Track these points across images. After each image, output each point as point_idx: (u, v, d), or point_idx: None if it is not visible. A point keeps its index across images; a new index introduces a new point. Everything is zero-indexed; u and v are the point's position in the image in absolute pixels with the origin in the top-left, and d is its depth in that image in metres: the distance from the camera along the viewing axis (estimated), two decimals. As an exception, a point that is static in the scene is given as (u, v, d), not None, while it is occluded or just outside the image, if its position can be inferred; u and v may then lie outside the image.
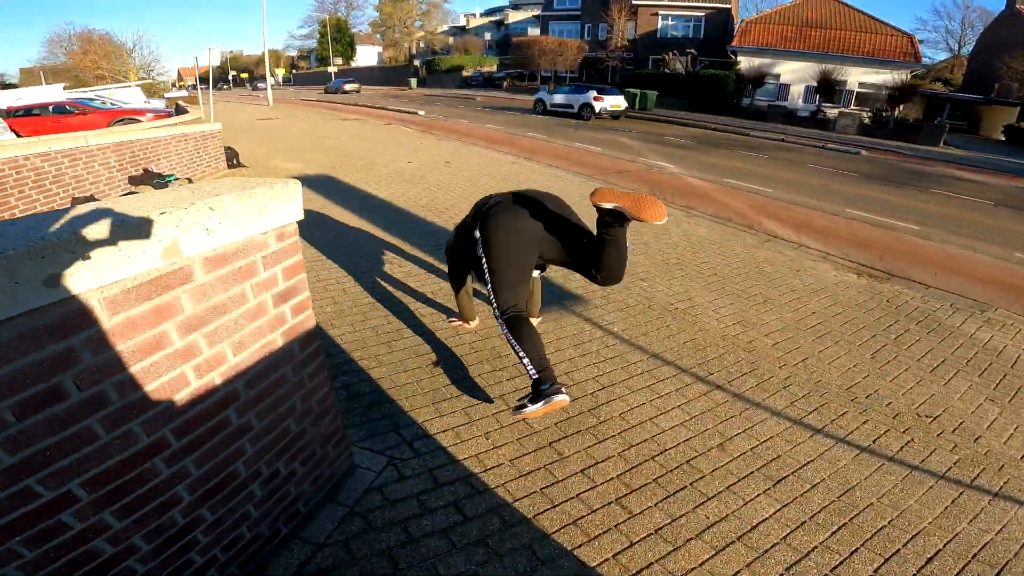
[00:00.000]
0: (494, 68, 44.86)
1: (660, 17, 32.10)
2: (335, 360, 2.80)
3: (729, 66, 25.99)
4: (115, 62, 44.46)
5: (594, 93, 19.37)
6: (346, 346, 2.95)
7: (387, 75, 51.85)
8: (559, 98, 20.45)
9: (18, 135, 12.52)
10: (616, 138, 14.51)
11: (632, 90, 23.86)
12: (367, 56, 61.95)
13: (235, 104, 27.17)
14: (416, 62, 50.22)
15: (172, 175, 6.24)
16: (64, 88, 23.01)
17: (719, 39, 29.60)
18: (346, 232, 4.95)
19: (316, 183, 6.97)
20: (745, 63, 25.69)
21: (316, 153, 9.75)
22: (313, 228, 4.99)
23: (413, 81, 44.90)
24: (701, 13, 31.36)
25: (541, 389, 2.13)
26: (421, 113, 19.61)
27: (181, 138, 6.82)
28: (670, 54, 28.72)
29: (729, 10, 30.93)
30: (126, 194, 5.87)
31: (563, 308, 3.55)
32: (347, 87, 37.72)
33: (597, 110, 19.13)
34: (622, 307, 3.63)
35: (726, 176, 9.43)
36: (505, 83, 39.42)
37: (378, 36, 62.66)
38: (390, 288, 3.73)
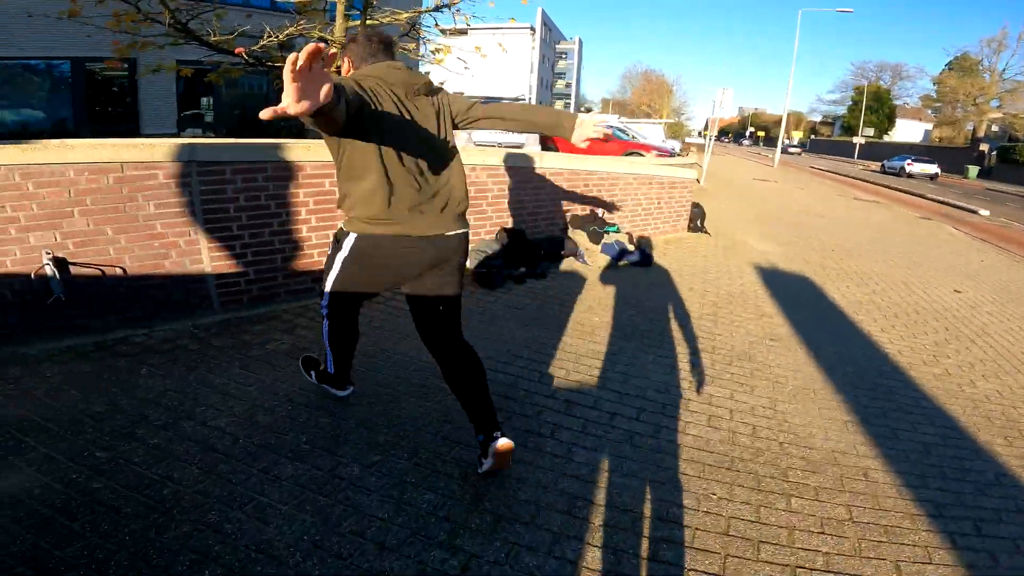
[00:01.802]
0: None
1: None
2: None
3: None
4: (658, 99, 52.13)
5: None
6: None
7: (933, 155, 41.75)
8: None
9: (552, 148, 15.39)
10: None
11: None
12: (908, 131, 52.13)
13: (737, 159, 26.88)
14: (983, 147, 38.35)
15: (614, 226, 5.31)
16: (618, 118, 27.79)
17: None
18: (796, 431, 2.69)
19: (781, 288, 4.78)
20: None
21: (803, 239, 7.38)
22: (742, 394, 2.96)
23: (972, 169, 34.41)
24: None
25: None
26: (983, 213, 13.78)
27: (645, 180, 5.85)
28: None
29: None
30: (551, 237, 5.37)
31: None
32: (915, 168, 28.10)
33: None
34: None
35: None
36: None
37: (929, 112, 51.65)
38: None
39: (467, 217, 1.98)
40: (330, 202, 3.54)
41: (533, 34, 49.87)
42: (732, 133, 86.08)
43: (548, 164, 4.81)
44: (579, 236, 5.05)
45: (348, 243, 1.83)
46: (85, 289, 2.84)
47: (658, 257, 5.44)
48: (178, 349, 2.82)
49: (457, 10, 6.68)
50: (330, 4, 6.33)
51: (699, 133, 61.62)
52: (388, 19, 6.20)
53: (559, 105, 58.58)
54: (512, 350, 3.13)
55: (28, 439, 2.00)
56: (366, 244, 1.80)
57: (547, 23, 53.47)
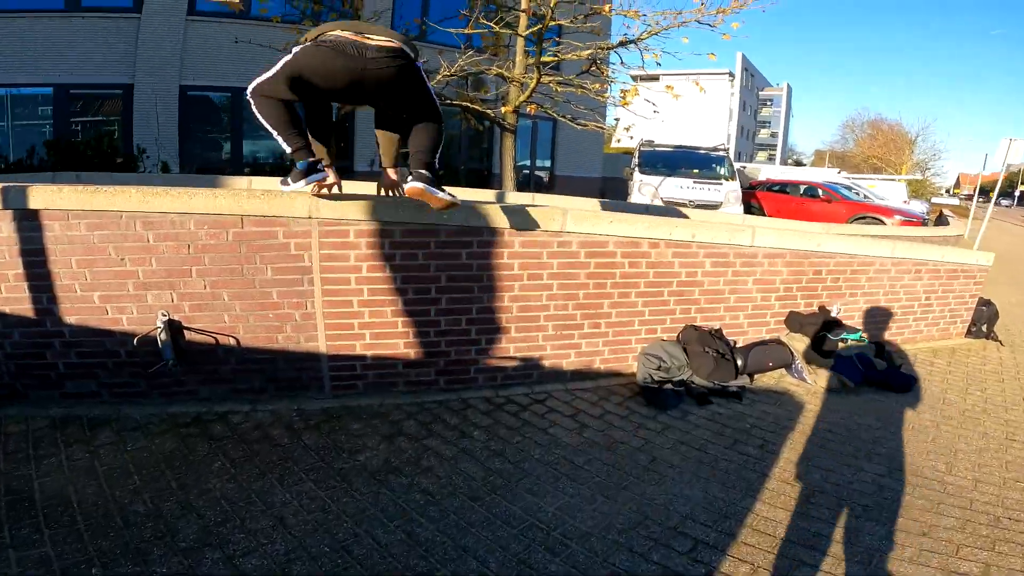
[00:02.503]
0: None
1: None
2: None
3: None
4: (893, 152, 44.00)
5: None
6: None
7: None
8: None
9: (756, 209, 13.22)
10: None
11: None
12: None
13: (1011, 224, 20.79)
14: None
15: (856, 332, 3.70)
16: (838, 172, 23.92)
17: None
18: None
19: None
20: None
21: None
22: None
23: None
24: None
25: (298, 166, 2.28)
26: None
27: (912, 267, 4.12)
28: None
29: None
30: (756, 342, 3.64)
31: None
32: None
33: None
34: None
35: None
36: None
37: None
38: None
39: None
40: (467, 281, 2.87)
41: (732, 80, 46.90)
42: (993, 191, 68.66)
43: (764, 241, 3.53)
44: (798, 342, 3.62)
45: None
46: (197, 356, 2.65)
47: (922, 376, 3.70)
48: (266, 440, 2.43)
49: (646, 47, 5.83)
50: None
51: (948, 191, 50.29)
52: (571, 55, 5.60)
53: (762, 156, 53.70)
54: (671, 521, 2.03)
55: (43, 526, 1.82)
56: None
57: (748, 68, 49.90)
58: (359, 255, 2.70)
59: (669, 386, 3.12)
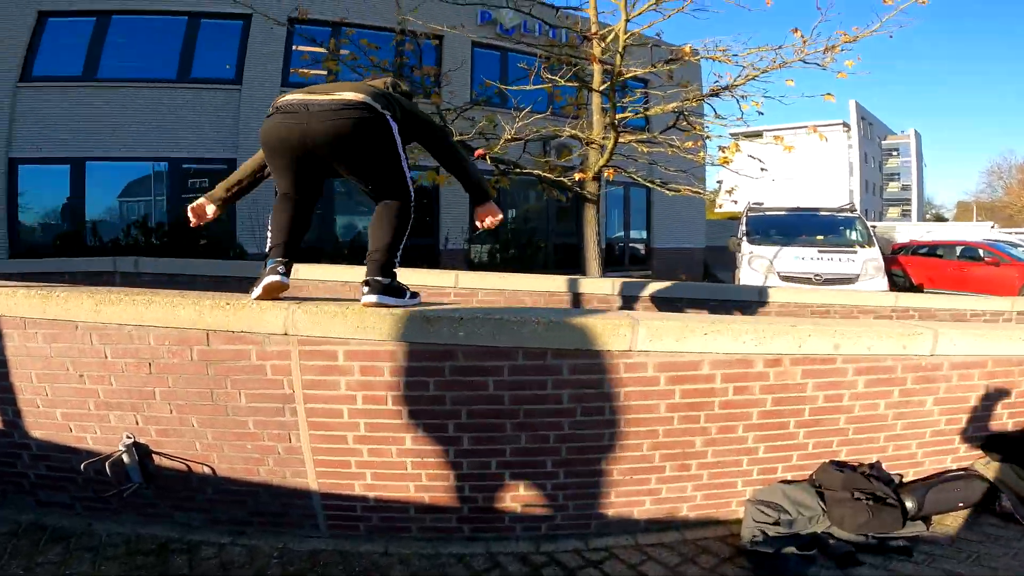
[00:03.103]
0: None
1: None
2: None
3: None
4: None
5: None
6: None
7: None
8: None
9: (901, 279, 11.02)
10: None
11: None
12: None
13: None
14: None
15: None
16: (992, 226, 20.33)
17: None
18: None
19: None
20: None
21: None
22: None
23: None
24: None
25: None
26: None
27: None
28: None
29: None
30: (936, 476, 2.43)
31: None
32: None
33: None
34: None
35: None
36: None
37: None
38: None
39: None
40: (496, 417, 2.07)
41: (847, 130, 43.25)
42: None
43: (951, 348, 2.32)
44: (1009, 474, 2.35)
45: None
46: (169, 481, 2.23)
47: None
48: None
49: (743, 95, 4.93)
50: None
51: None
52: (654, 109, 4.85)
53: (895, 212, 48.20)
54: None
55: None
56: None
57: (865, 116, 45.84)
58: (352, 382, 2.03)
59: (792, 549, 2.06)
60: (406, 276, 4.13)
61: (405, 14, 5.32)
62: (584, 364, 2.03)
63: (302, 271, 4.66)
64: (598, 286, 4.35)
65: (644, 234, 13.49)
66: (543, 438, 2.12)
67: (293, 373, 2.03)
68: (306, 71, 5.66)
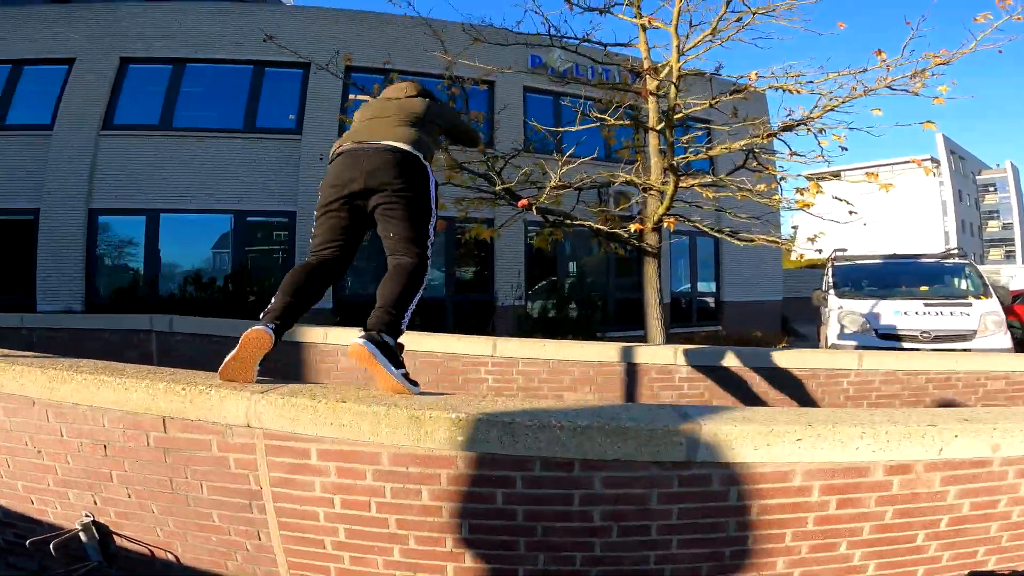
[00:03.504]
0: None
1: None
2: None
3: None
4: None
5: None
6: None
7: None
8: None
9: (1020, 331, 9.39)
10: None
11: None
12: None
13: None
14: None
15: None
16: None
17: None
18: None
19: None
20: None
21: None
22: None
23: None
24: None
25: None
26: None
27: None
28: None
29: None
30: None
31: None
32: None
33: None
34: None
35: None
36: None
37: None
38: None
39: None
40: (508, 534, 1.56)
41: (937, 166, 39.87)
42: None
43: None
44: None
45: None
46: (133, 563, 2.01)
47: None
48: None
49: (821, 128, 4.32)
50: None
51: None
52: (719, 150, 4.33)
53: (997, 254, 43.44)
54: None
55: None
56: None
57: (955, 151, 42.18)
58: (328, 484, 1.60)
59: None
60: (442, 343, 3.77)
61: (453, 59, 5.19)
62: (625, 478, 1.49)
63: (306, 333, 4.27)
64: (656, 355, 3.70)
65: (713, 286, 12.44)
66: (570, 559, 1.59)
67: (259, 468, 1.65)
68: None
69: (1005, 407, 1.58)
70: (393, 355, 1.76)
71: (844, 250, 7.62)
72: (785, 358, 3.70)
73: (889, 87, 4.38)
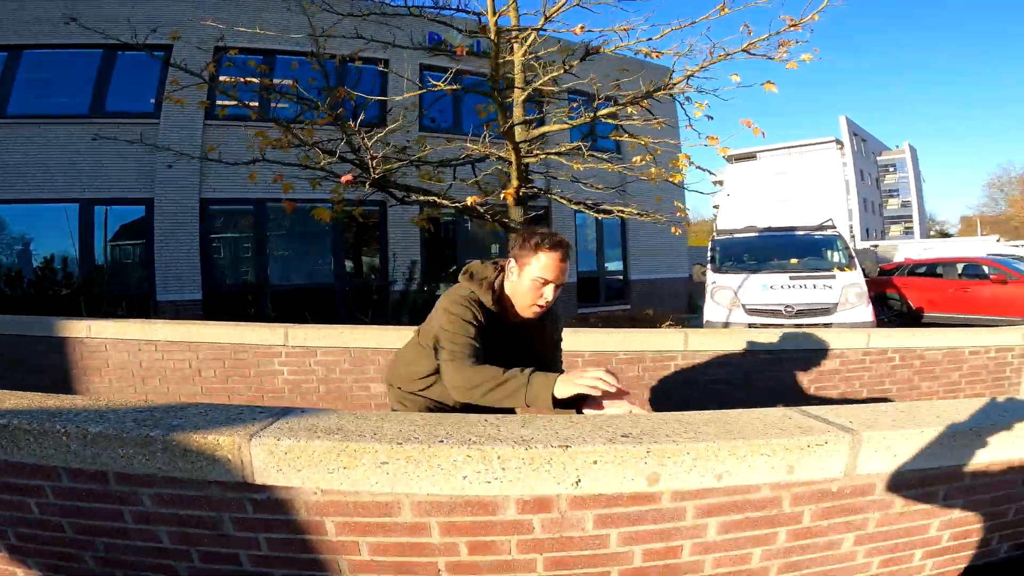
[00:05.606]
0: None
1: None
2: None
3: None
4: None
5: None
6: None
7: None
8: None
9: (898, 303, 9.98)
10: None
11: None
12: None
13: None
14: None
15: None
16: (997, 240, 19.32)
17: None
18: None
19: None
20: None
21: None
22: None
23: None
24: None
25: None
26: None
27: None
28: None
29: None
30: None
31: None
32: None
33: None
34: None
35: None
36: None
37: None
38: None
39: None
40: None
41: (840, 148, 42.56)
42: None
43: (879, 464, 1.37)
44: None
45: None
46: None
47: None
48: None
49: (687, 97, 4.15)
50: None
51: None
52: (556, 123, 4.05)
53: (897, 230, 47.06)
54: None
55: None
56: None
57: (857, 132, 45.21)
58: None
59: None
60: (230, 332, 3.26)
61: (317, 34, 4.72)
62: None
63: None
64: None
65: (620, 265, 12.45)
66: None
67: None
68: (178, 98, 4.96)
69: (667, 416, 1.18)
70: None
71: (753, 225, 7.57)
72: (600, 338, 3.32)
73: (746, 51, 4.31)
